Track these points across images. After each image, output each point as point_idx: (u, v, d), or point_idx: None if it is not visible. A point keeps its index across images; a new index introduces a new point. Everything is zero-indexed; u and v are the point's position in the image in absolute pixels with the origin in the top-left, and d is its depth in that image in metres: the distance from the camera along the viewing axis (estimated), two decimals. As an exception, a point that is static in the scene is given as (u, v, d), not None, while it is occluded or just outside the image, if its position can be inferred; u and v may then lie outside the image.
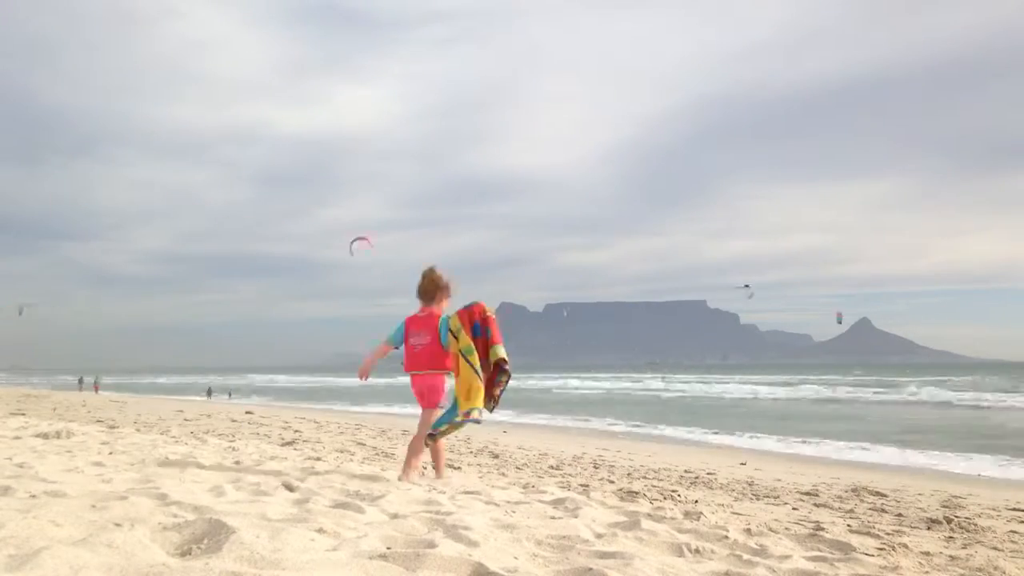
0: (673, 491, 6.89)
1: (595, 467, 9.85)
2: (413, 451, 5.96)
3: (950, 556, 4.03)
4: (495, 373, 5.78)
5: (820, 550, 3.89)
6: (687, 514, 4.73)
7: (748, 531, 4.24)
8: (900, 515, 6.02)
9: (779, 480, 9.47)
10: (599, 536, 3.82)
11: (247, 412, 21.66)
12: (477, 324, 5.79)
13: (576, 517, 4.28)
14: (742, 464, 12.43)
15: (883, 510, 6.42)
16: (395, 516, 3.97)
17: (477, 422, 5.72)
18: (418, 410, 6.06)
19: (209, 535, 3.07)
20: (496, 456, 10.55)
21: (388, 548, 3.15)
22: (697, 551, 3.57)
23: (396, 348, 6.08)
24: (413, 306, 6.03)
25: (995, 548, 4.47)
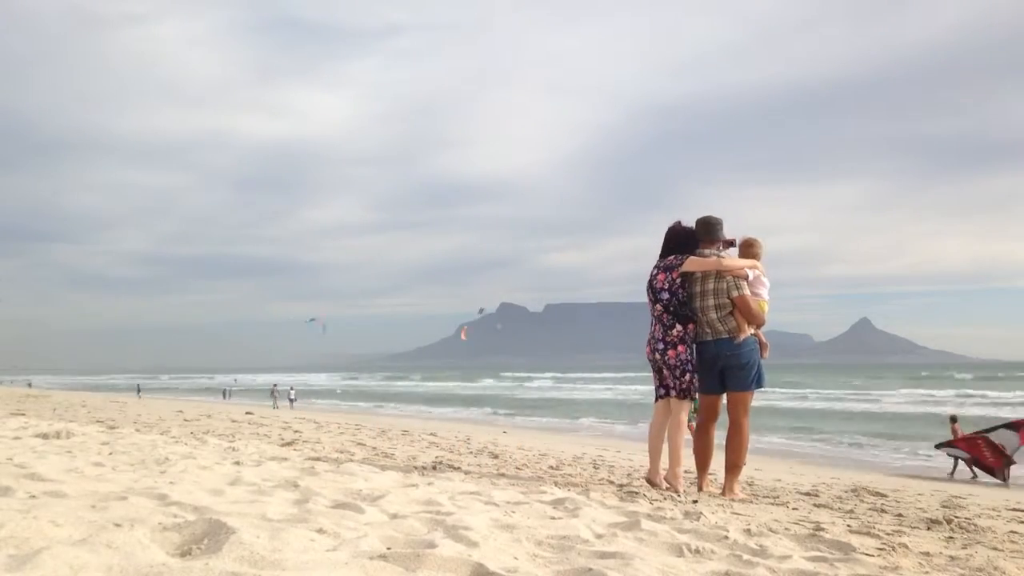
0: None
1: (595, 467, 9.85)
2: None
3: (950, 556, 4.03)
4: None
5: (820, 550, 3.89)
6: (687, 514, 4.73)
7: (748, 531, 4.23)
8: (900, 515, 6.01)
9: (779, 480, 9.47)
10: (599, 536, 3.82)
11: (247, 412, 21.65)
12: None
13: (576, 517, 4.27)
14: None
15: (883, 510, 6.42)
16: (395, 516, 3.97)
17: None
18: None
19: (209, 535, 3.07)
20: (496, 456, 10.54)
21: (388, 548, 3.15)
22: (697, 551, 3.57)
23: None
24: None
25: (995, 548, 4.46)
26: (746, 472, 10.62)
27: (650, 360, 5.58)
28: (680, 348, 5.38)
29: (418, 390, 64.10)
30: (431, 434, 15.03)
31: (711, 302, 5.11)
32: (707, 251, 5.38)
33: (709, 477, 5.65)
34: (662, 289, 5.31)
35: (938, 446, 15.28)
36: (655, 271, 5.43)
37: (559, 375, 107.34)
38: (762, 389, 5.62)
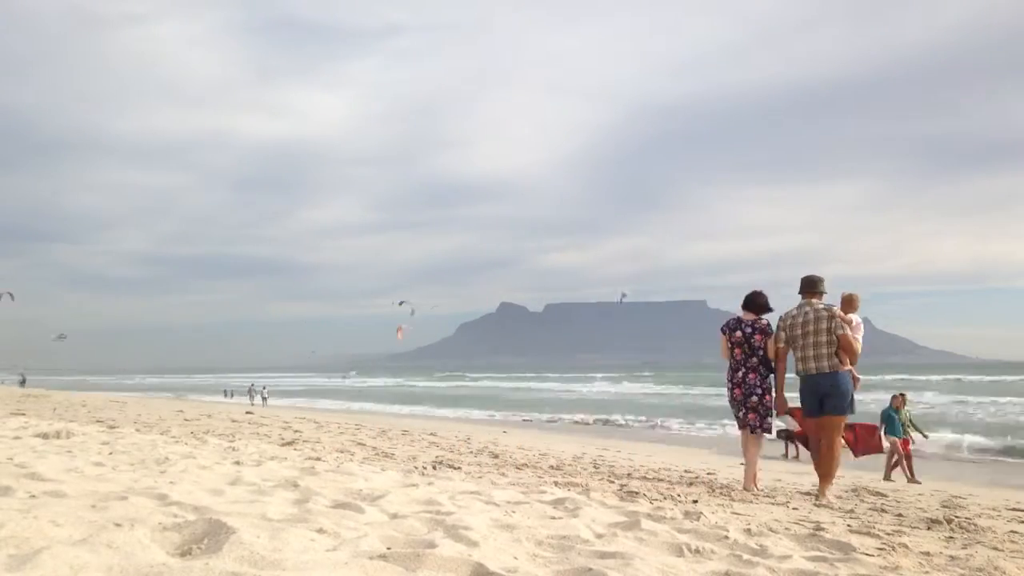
0: (673, 491, 6.88)
1: (595, 467, 9.85)
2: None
3: (950, 556, 4.03)
4: None
5: (820, 550, 3.89)
6: (687, 514, 4.73)
7: (748, 531, 4.23)
8: (900, 515, 6.02)
9: (779, 480, 9.47)
10: (599, 536, 3.83)
11: (247, 412, 21.66)
12: None
13: (576, 517, 4.28)
14: (742, 464, 12.42)
15: (883, 510, 6.42)
16: (395, 516, 3.97)
17: None
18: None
19: (209, 535, 3.08)
20: (496, 456, 10.55)
21: (388, 548, 3.15)
22: (697, 551, 3.57)
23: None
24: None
25: (995, 548, 4.46)
26: (746, 472, 10.63)
27: (736, 400, 6.88)
28: (772, 394, 6.82)
29: (418, 390, 64.12)
30: (431, 434, 15.03)
31: (824, 339, 6.32)
32: (815, 301, 6.66)
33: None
34: (760, 347, 6.77)
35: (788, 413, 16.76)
36: (749, 329, 6.81)
37: (559, 375, 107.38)
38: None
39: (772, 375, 6.80)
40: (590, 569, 3.04)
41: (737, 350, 6.82)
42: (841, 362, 6.34)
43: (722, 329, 6.94)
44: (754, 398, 6.73)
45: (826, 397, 6.43)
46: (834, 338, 6.32)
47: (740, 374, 6.80)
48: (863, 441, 16.68)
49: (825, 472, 6.47)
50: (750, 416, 6.79)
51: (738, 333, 6.82)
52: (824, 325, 6.31)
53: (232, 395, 47.70)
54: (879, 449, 16.30)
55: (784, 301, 7.04)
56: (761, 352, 6.71)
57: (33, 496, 3.99)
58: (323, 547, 3.11)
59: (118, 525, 3.17)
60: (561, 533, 3.76)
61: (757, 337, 6.71)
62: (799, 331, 6.40)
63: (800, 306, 6.59)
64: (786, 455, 16.13)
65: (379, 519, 3.86)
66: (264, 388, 44.55)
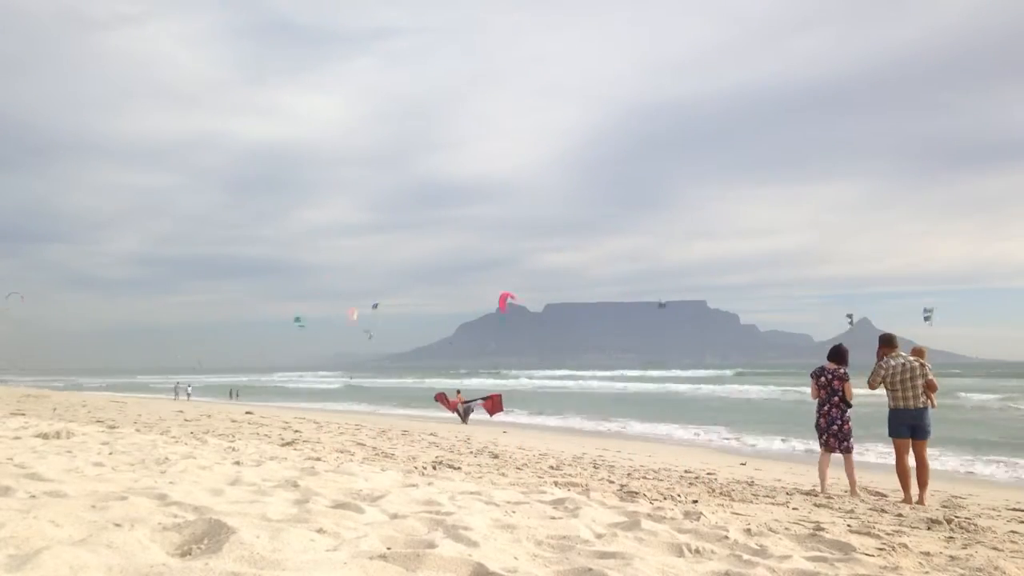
0: (673, 491, 6.89)
1: (595, 467, 9.86)
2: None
3: (950, 556, 4.03)
4: None
5: (820, 550, 3.89)
6: (687, 514, 4.73)
7: (748, 531, 4.24)
8: (900, 515, 6.02)
9: (779, 480, 9.48)
10: (599, 536, 3.83)
11: (247, 412, 21.65)
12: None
13: (576, 517, 4.28)
14: (742, 464, 12.43)
15: (883, 510, 6.42)
16: (395, 516, 3.97)
17: None
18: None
19: (209, 535, 3.08)
20: (496, 456, 10.55)
21: (388, 548, 3.15)
22: (697, 551, 3.58)
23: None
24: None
25: (995, 548, 4.46)
26: (746, 472, 10.65)
27: (821, 427, 8.68)
28: (850, 423, 8.63)
29: (417, 390, 64.11)
30: (431, 434, 15.04)
31: (919, 382, 8.23)
32: (902, 353, 8.47)
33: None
34: (839, 390, 8.61)
35: (435, 398, 26.81)
36: (831, 375, 8.66)
37: (559, 374, 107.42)
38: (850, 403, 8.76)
39: (849, 409, 8.65)
40: (590, 569, 3.05)
41: (822, 391, 8.75)
42: (929, 399, 8.34)
43: (812, 374, 8.92)
44: (835, 427, 8.64)
45: (917, 427, 8.30)
46: (924, 381, 8.31)
47: (825, 408, 8.71)
48: (496, 405, 25.81)
49: (923, 481, 8.02)
50: (831, 441, 8.58)
51: (822, 379, 8.79)
52: (918, 372, 8.29)
53: (187, 394, 47.74)
54: (502, 408, 25.92)
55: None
56: (840, 393, 8.67)
57: (33, 496, 3.99)
58: (323, 547, 3.11)
59: (118, 525, 3.17)
60: (561, 533, 3.76)
61: (836, 383, 8.68)
62: (899, 377, 8.34)
63: (895, 357, 8.49)
64: (464, 421, 23.61)
65: (379, 519, 3.86)
66: (189, 386, 47.73)
